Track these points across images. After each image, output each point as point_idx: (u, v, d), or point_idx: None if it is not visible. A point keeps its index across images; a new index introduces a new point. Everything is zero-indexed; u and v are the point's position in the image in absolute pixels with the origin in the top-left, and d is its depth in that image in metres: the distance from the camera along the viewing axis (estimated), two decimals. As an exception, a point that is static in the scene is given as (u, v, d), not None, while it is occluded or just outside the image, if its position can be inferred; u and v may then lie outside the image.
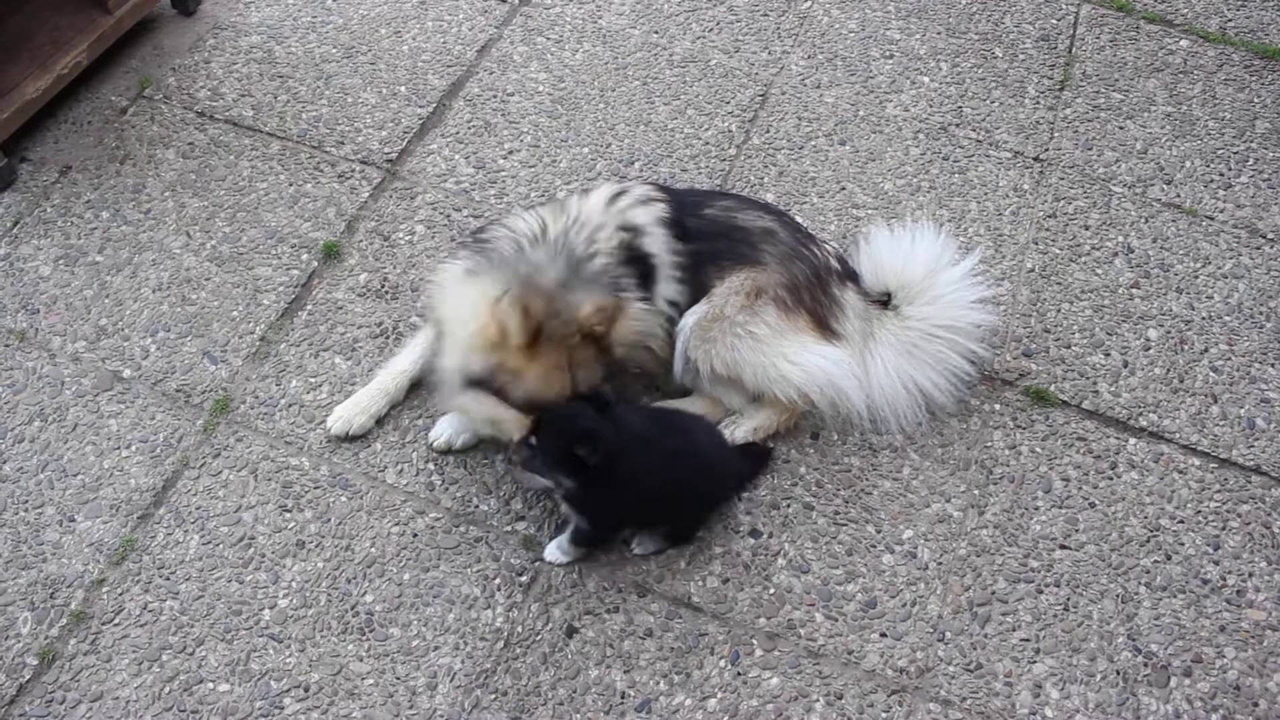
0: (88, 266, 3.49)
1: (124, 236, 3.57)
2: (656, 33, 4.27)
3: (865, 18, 4.39)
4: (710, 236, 3.01)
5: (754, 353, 2.97)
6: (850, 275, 3.18)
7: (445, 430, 3.07)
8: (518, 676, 2.74)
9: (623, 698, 2.71)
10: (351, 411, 3.09)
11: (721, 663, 2.78)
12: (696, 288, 3.02)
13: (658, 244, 2.96)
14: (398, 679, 2.72)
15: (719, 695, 2.72)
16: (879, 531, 3.01)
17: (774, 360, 2.97)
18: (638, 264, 2.93)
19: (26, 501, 3.01)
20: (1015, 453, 3.18)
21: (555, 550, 2.89)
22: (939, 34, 4.34)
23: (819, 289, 3.04)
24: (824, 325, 3.03)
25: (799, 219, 3.65)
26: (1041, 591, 2.93)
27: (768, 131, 3.96)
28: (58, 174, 3.74)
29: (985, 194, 3.81)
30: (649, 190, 3.07)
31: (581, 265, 2.78)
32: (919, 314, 3.14)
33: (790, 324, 2.99)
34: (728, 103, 4.04)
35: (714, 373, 3.01)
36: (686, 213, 3.03)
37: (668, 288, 2.98)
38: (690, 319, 3.00)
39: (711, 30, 4.29)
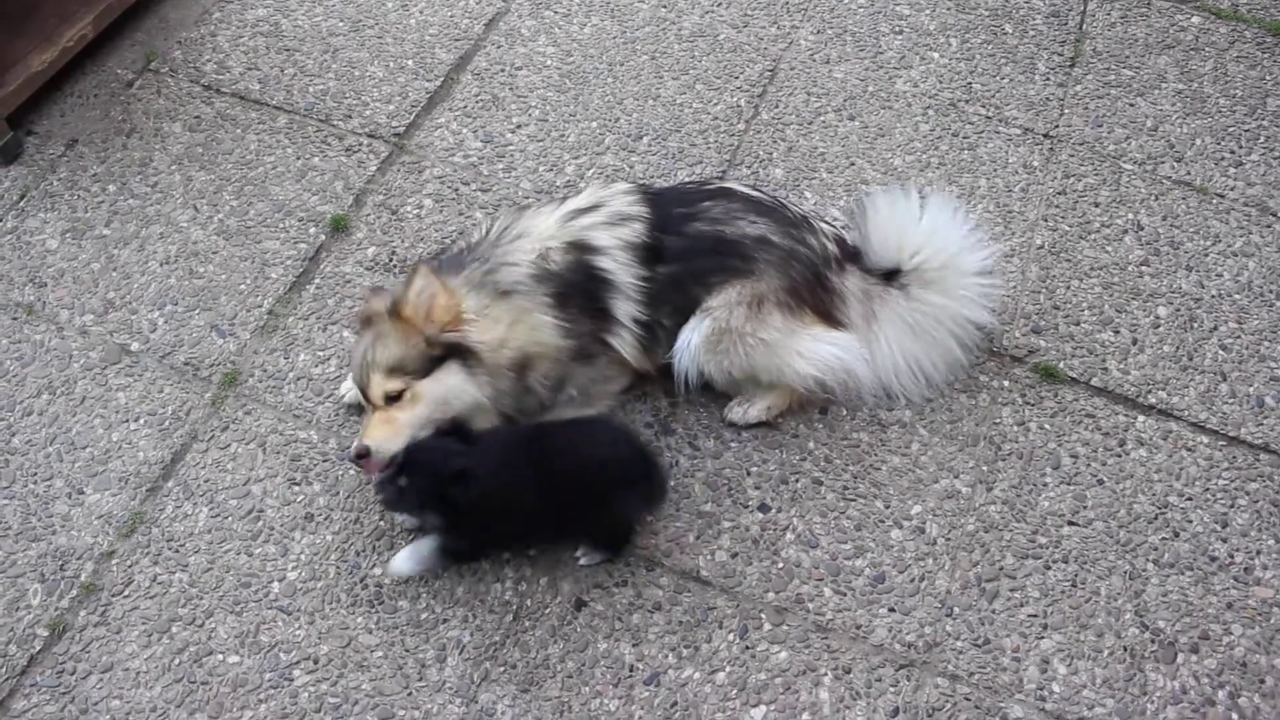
0: (95, 240, 3.48)
1: (131, 210, 3.56)
2: (665, 7, 4.24)
3: (875, -7, 4.36)
4: (694, 255, 2.96)
5: (767, 357, 2.97)
6: (850, 255, 3.13)
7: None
8: (526, 649, 2.74)
9: (631, 670, 2.72)
10: None
11: (730, 636, 2.78)
12: (682, 305, 2.99)
13: (617, 265, 2.91)
14: (407, 651, 2.73)
15: (728, 669, 2.73)
16: (887, 507, 3.01)
17: (788, 359, 2.97)
18: (588, 281, 2.89)
19: (35, 474, 3.01)
20: (1024, 429, 3.18)
21: (405, 561, 2.78)
22: (949, 9, 4.31)
23: (819, 285, 3.02)
24: (829, 317, 3.03)
25: (808, 194, 3.65)
26: (1049, 568, 2.93)
27: (777, 107, 3.94)
28: (64, 147, 3.73)
29: (995, 170, 3.80)
30: (631, 204, 2.99)
31: (483, 271, 2.81)
32: (925, 295, 3.11)
33: (798, 322, 2.98)
34: (736, 77, 4.02)
35: (729, 377, 3.02)
36: (670, 230, 2.96)
37: (631, 308, 2.94)
38: (694, 337, 2.96)
39: (720, 4, 4.27)
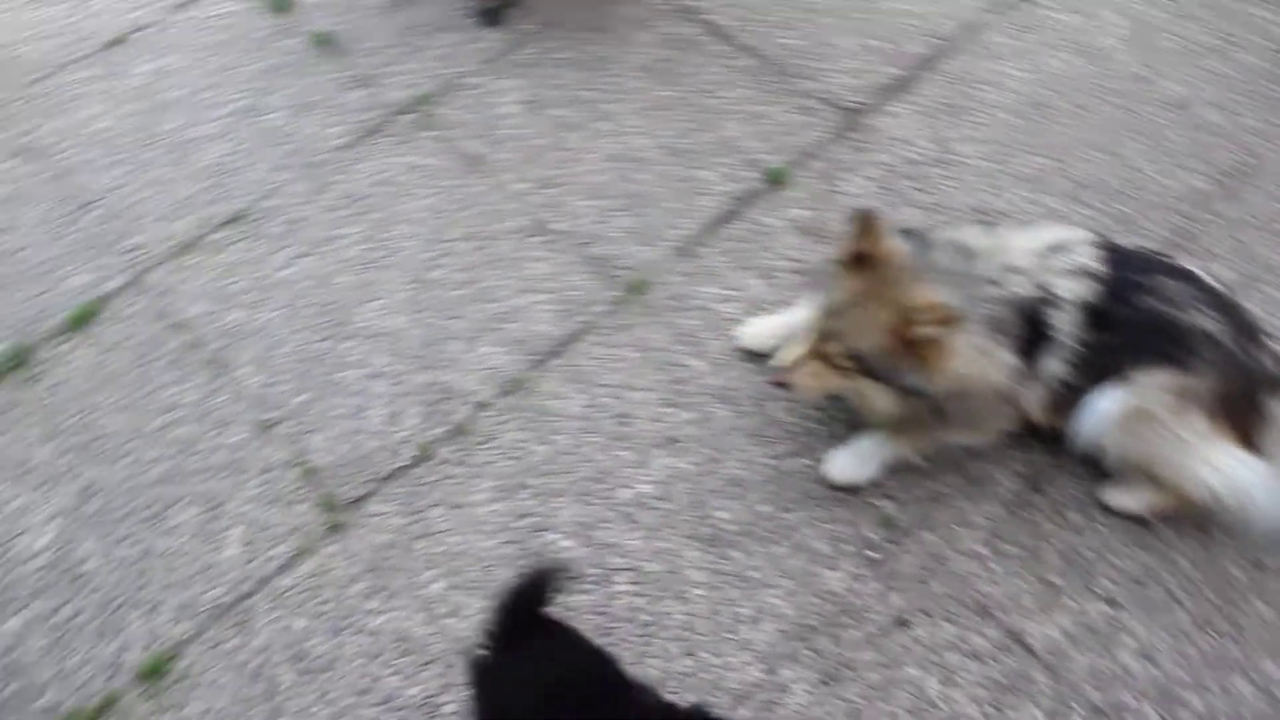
0: (549, 119, 3.67)
1: (587, 101, 3.73)
2: (1147, 65, 4.03)
3: (1378, 118, 3.99)
4: (1137, 329, 2.79)
5: (1176, 453, 2.79)
6: None
7: None
8: (838, 644, 2.73)
9: (932, 706, 2.66)
10: (767, 330, 3.14)
11: (1039, 715, 2.67)
12: (1103, 373, 2.84)
13: (1066, 323, 2.77)
14: (728, 600, 2.77)
15: (1029, 745, 2.63)
16: (1242, 654, 2.80)
17: (1196, 464, 2.78)
18: (1033, 327, 2.76)
19: (442, 309, 3.23)
20: None
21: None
22: None
23: (1251, 403, 2.82)
24: (1247, 438, 2.82)
25: (1249, 306, 3.40)
26: (1403, 784, 2.65)
27: (1240, 204, 3.68)
28: (539, 26, 3.95)
29: None
30: (1092, 258, 2.83)
31: (974, 283, 2.68)
32: None
33: (1217, 431, 2.80)
34: (1204, 160, 3.78)
35: (1124, 457, 2.87)
36: (1120, 298, 2.80)
37: (1056, 366, 2.81)
38: (1111, 405, 2.81)
39: (1205, 80, 4.02)
